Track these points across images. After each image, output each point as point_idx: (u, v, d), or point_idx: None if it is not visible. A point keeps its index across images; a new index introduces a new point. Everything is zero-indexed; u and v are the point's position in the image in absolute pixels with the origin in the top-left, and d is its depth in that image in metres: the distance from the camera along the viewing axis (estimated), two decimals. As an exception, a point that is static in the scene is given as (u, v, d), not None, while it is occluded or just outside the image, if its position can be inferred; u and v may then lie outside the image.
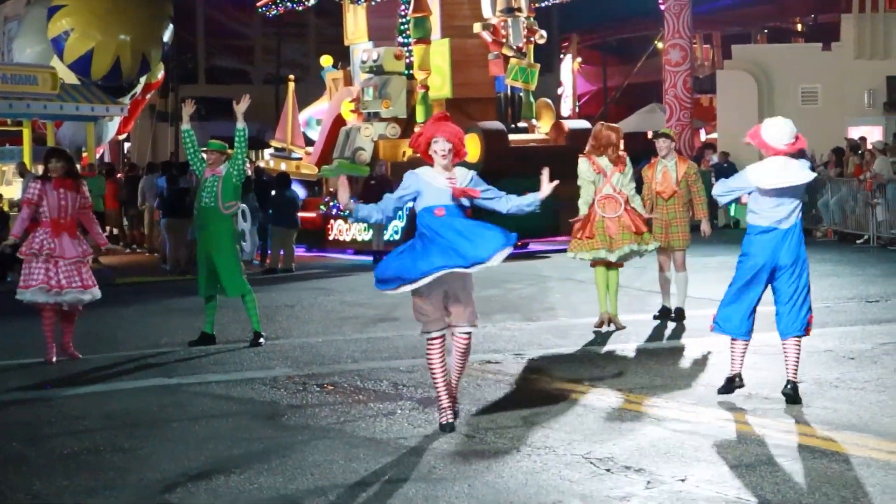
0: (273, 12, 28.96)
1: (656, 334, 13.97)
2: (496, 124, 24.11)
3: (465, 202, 9.52)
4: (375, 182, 22.79)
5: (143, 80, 31.93)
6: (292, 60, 60.86)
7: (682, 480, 7.88)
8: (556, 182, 9.41)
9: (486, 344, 13.49)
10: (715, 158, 34.05)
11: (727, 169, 31.76)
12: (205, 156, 13.60)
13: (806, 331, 10.32)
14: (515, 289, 18.56)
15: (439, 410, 9.42)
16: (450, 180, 9.37)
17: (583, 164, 13.92)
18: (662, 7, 36.15)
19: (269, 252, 23.76)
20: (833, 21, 42.35)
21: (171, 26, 33.46)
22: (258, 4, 29.13)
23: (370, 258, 23.07)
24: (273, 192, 24.41)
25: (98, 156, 32.43)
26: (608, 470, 8.21)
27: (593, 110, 53.29)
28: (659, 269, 14.95)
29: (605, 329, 13.97)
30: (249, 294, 13.79)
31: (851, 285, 18.24)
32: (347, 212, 10.51)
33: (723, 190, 10.74)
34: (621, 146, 13.92)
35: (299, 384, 11.39)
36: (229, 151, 13.65)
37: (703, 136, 42.99)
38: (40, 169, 28.25)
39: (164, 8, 33.26)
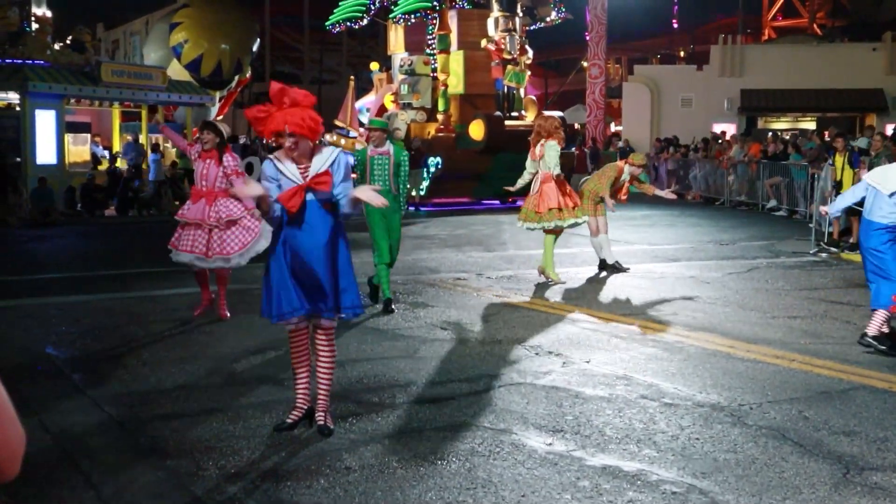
0: (337, 29, 28.96)
1: (583, 273, 13.90)
2: (495, 113, 24.24)
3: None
4: (415, 152, 22.75)
5: (236, 77, 31.84)
6: (330, 68, 60.50)
7: (587, 362, 7.93)
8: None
9: (457, 266, 13.50)
10: (620, 144, 34.15)
11: (593, 152, 32.11)
12: (370, 133, 10.36)
13: None
14: (479, 230, 18.55)
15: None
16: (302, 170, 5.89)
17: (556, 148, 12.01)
18: (587, 37, 36.06)
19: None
20: (705, 50, 42.23)
21: (258, 39, 33.53)
22: (326, 23, 29.03)
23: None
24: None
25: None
26: (536, 353, 8.26)
27: (538, 109, 53.33)
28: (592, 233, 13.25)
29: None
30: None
31: (710, 233, 18.25)
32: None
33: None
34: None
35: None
36: (391, 130, 11.74)
37: (612, 128, 42.88)
38: (160, 141, 28.61)
39: (253, 26, 33.33)
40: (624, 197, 13.26)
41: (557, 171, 11.88)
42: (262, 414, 6.43)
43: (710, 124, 35.16)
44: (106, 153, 28.16)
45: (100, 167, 26.20)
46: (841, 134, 16.97)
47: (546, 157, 11.87)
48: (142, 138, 27.37)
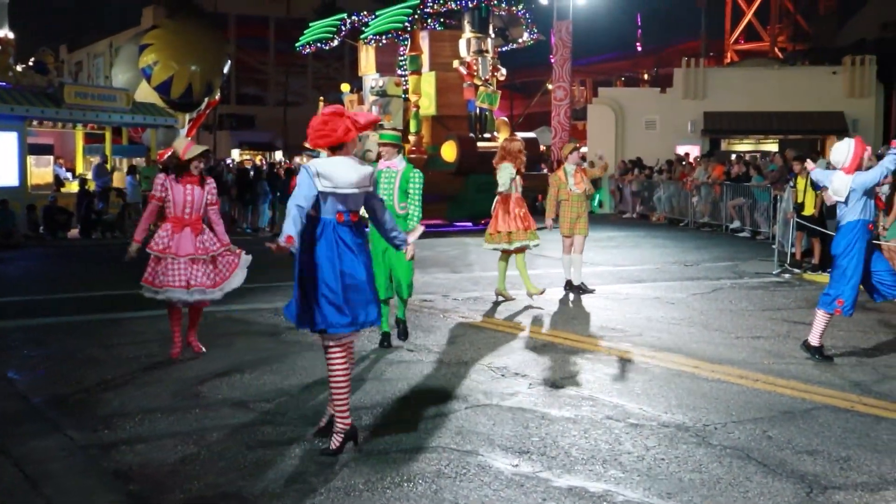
0: (307, 50, 28.70)
1: (549, 294, 13.88)
2: (467, 135, 24.09)
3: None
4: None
5: (206, 99, 31.65)
6: (295, 90, 60.54)
7: (553, 383, 7.95)
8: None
9: (423, 287, 13.49)
10: (585, 165, 34.26)
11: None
12: (381, 149, 9.52)
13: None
14: (446, 251, 18.55)
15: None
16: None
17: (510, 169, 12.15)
18: (552, 60, 36.26)
19: (277, 222, 23.78)
20: (669, 73, 42.58)
21: (229, 61, 33.26)
22: (296, 45, 28.80)
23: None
24: (281, 180, 24.72)
25: (171, 153, 32.03)
26: (503, 375, 8.26)
27: (510, 130, 53.56)
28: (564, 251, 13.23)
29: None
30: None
31: (675, 254, 18.36)
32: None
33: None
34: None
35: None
36: (403, 144, 11.21)
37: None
38: (125, 165, 28.34)
39: (224, 48, 33.15)
40: (588, 188, 13.26)
41: (503, 189, 12.12)
42: (228, 437, 6.40)
43: (674, 146, 35.41)
44: (69, 175, 27.94)
45: (63, 189, 26.00)
46: (800, 157, 17.14)
47: (497, 177, 12.15)
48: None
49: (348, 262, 5.91)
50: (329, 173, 5.88)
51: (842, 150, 9.09)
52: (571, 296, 12.88)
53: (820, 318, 9.00)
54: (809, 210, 15.82)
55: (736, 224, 23.02)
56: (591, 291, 13.04)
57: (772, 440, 6.40)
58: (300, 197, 5.79)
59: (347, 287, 5.90)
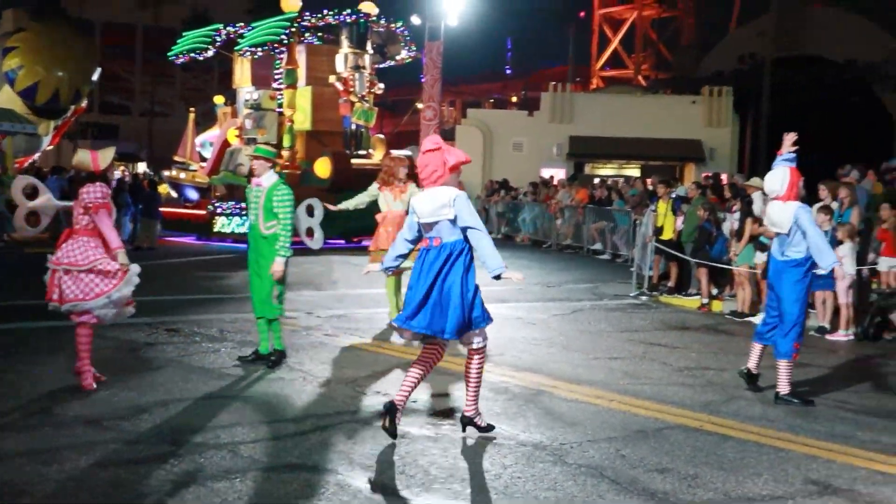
0: (181, 60, 27.93)
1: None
2: (342, 151, 23.90)
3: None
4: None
5: (72, 106, 30.62)
6: (163, 100, 59.50)
7: (414, 402, 7.98)
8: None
9: (287, 305, 13.35)
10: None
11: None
12: (253, 163, 9.25)
13: None
14: (311, 268, 18.45)
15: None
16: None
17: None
18: (423, 79, 36.54)
19: (138, 235, 23.23)
20: (536, 96, 43.42)
21: (99, 68, 32.19)
22: (169, 54, 28.05)
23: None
24: (145, 193, 24.15)
25: (33, 160, 30.96)
26: (364, 393, 8.27)
27: (386, 148, 53.62)
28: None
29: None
30: (277, 322, 9.51)
31: (538, 275, 18.65)
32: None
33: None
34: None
35: (153, 328, 11.13)
36: (277, 160, 10.88)
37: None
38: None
39: (93, 54, 32.08)
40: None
41: (383, 208, 11.91)
42: (79, 456, 6.22)
43: (540, 169, 36.09)
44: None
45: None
46: (664, 181, 17.69)
47: (380, 197, 12.06)
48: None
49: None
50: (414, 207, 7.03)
51: (776, 178, 8.67)
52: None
53: (784, 367, 8.56)
54: (668, 234, 16.32)
55: (597, 246, 23.56)
56: None
57: (625, 459, 6.58)
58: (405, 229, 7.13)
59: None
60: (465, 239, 6.89)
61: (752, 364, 9.03)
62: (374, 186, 12.33)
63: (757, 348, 9.00)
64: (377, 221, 12.09)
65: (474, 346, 6.90)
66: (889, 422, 8.05)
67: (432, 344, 6.93)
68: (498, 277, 6.91)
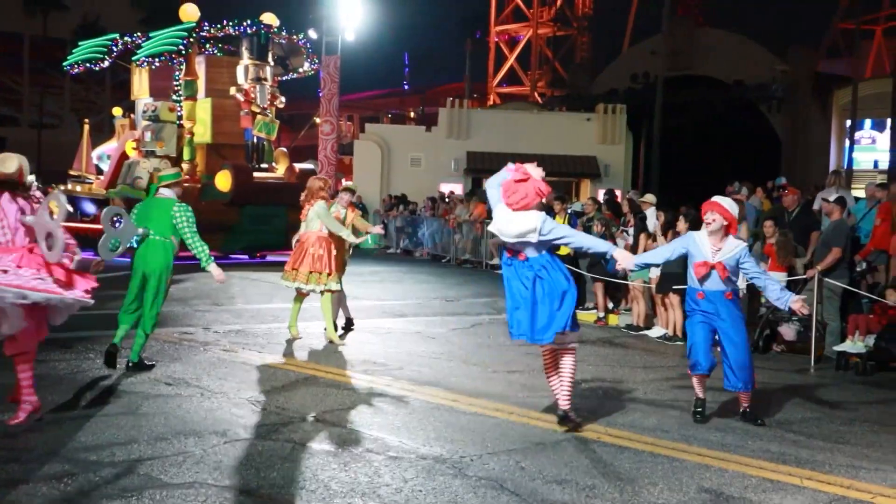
0: (76, 70, 27.17)
1: (311, 328, 13.80)
2: (244, 164, 23.39)
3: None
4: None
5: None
6: (52, 112, 58.13)
7: (314, 418, 7.95)
8: None
9: (183, 320, 13.19)
10: (353, 200, 34.49)
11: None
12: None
13: None
14: (208, 283, 18.16)
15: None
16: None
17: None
18: (320, 94, 36.42)
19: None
20: (434, 112, 43.71)
21: None
22: (64, 64, 27.25)
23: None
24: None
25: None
26: (263, 409, 8.20)
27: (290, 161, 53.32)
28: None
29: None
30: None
31: (437, 289, 18.74)
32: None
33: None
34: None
35: (44, 344, 10.80)
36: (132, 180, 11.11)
37: (343, 183, 43.49)
38: None
39: None
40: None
41: (303, 228, 11.88)
42: (-33, 476, 6.04)
43: (438, 184, 36.30)
44: None
45: None
46: (560, 197, 17.92)
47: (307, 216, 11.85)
48: None
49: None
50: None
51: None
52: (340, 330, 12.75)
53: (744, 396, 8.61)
54: (565, 249, 16.52)
55: (496, 261, 23.75)
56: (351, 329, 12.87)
57: (524, 470, 6.65)
58: None
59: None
60: (548, 250, 7.98)
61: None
62: (334, 208, 12.25)
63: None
64: (292, 240, 12.04)
65: (568, 346, 7.91)
66: (777, 431, 8.30)
67: (542, 347, 8.08)
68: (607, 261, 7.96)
